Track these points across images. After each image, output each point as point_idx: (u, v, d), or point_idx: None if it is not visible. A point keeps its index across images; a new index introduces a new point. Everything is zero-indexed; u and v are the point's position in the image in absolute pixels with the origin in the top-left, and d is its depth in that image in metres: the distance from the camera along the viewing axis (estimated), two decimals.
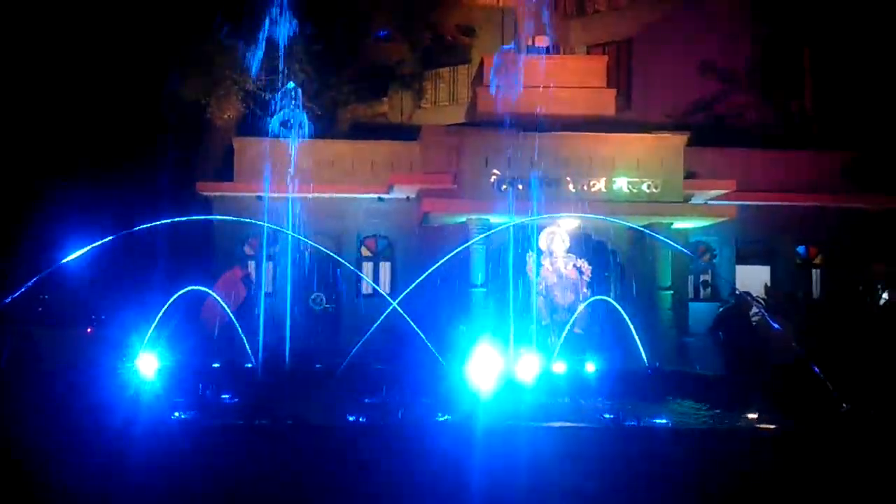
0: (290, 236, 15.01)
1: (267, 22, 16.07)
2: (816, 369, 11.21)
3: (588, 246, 20.03)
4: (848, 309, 19.85)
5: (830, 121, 25.10)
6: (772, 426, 9.84)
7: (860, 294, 20.78)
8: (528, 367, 13.28)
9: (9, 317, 12.26)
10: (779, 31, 26.11)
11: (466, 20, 29.32)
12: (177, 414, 9.57)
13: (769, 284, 21.81)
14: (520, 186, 19.47)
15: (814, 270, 23.66)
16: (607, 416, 10.40)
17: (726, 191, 21.25)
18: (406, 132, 23.54)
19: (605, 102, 22.53)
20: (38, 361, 14.60)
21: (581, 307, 16.90)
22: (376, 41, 25.98)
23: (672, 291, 20.54)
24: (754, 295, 19.09)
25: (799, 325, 15.38)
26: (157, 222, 13.18)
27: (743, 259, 23.16)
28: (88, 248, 11.66)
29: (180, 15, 22.79)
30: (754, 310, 17.28)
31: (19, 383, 11.81)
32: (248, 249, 22.32)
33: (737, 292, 19.63)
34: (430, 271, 13.36)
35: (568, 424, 9.65)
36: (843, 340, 15.09)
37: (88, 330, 21.19)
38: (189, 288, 14.02)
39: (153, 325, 13.16)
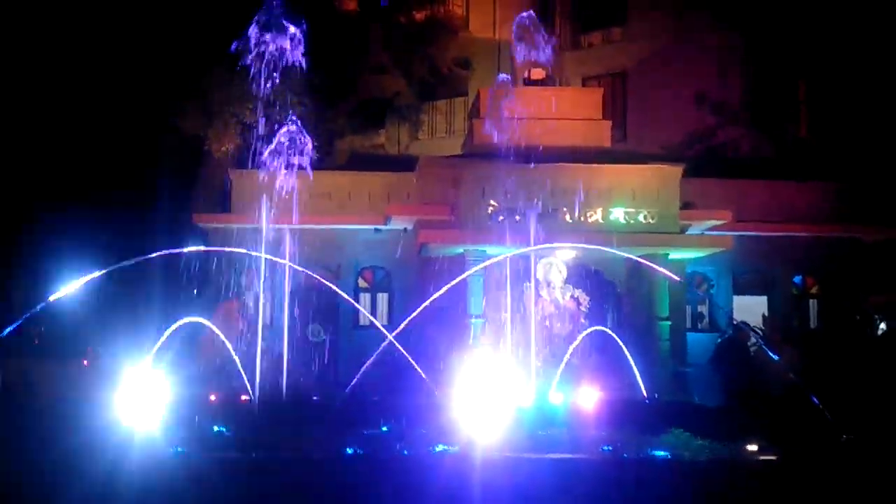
0: (287, 268, 14.99)
1: (265, 55, 16.19)
2: (815, 399, 11.19)
3: (585, 277, 20.02)
4: (846, 339, 19.84)
5: (826, 151, 25.17)
6: (772, 457, 9.81)
7: (857, 324, 20.77)
8: (527, 397, 13.25)
9: (3, 350, 12.20)
10: (773, 61, 26.29)
11: (463, 53, 29.49)
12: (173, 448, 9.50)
13: (766, 315, 21.79)
14: (517, 217, 19.49)
15: (811, 301, 23.64)
16: (605, 447, 10.35)
17: (722, 221, 21.26)
18: (403, 163, 23.57)
19: (601, 134, 22.61)
20: (34, 394, 14.52)
21: (579, 338, 16.87)
22: (373, 67, 26.08)
23: (670, 322, 20.49)
24: (752, 325, 19.12)
25: (797, 356, 15.38)
26: (154, 254, 13.17)
27: (740, 289, 23.14)
28: (84, 280, 11.64)
29: (179, 47, 22.91)
30: (752, 339, 17.29)
31: (13, 416, 11.72)
32: (244, 281, 22.26)
33: (735, 323, 19.64)
34: (427, 303, 13.33)
35: (566, 456, 9.61)
36: (842, 371, 15.06)
37: (84, 362, 21.04)
38: (185, 320, 13.96)
39: (149, 358, 13.08)
